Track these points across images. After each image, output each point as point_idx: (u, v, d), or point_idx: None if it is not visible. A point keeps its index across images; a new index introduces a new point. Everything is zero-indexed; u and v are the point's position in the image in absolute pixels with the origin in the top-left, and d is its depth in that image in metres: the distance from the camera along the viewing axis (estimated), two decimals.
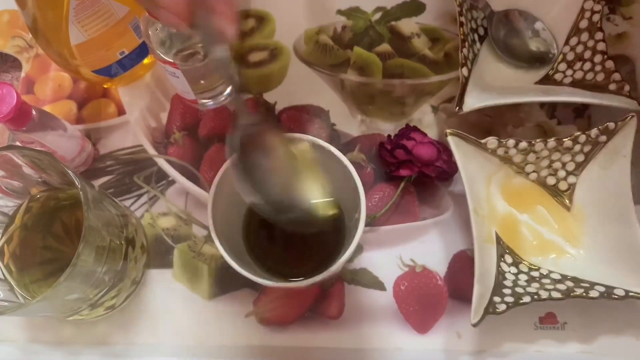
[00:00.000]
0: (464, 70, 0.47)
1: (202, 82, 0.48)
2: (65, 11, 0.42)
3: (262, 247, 0.44)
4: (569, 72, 0.51)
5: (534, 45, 0.53)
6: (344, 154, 0.49)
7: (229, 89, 0.51)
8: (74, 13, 0.42)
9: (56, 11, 0.42)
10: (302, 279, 0.38)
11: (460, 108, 0.46)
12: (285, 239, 0.45)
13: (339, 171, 0.40)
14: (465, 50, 0.48)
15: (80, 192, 0.38)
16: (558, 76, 0.51)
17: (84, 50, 0.45)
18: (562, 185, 0.47)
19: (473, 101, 0.46)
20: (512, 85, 0.51)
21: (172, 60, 0.44)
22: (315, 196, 0.36)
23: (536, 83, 0.51)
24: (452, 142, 0.45)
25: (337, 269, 0.36)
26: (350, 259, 0.45)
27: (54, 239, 0.46)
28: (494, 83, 0.50)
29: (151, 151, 0.51)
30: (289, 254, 0.45)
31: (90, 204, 0.38)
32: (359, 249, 0.47)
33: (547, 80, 0.51)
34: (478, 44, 0.52)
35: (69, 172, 0.38)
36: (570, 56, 0.51)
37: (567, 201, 0.47)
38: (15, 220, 0.45)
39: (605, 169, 0.46)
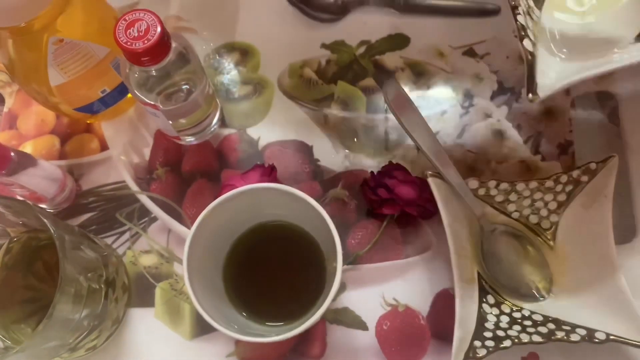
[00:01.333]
0: (526, 43, 0.38)
1: (183, 120, 0.47)
2: (44, 54, 0.41)
3: (241, 288, 0.44)
4: None
5: None
6: (328, 190, 0.50)
7: (214, 122, 0.51)
8: (53, 57, 0.42)
9: (34, 54, 0.42)
10: (278, 331, 0.38)
11: (535, 93, 0.37)
12: (266, 281, 0.45)
13: (316, 216, 0.40)
14: (521, 19, 0.40)
15: (56, 240, 0.38)
16: None
17: (64, 90, 0.45)
18: (545, 224, 0.47)
19: (551, 81, 0.38)
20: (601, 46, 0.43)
21: (152, 102, 0.43)
22: None
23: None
24: (433, 183, 0.45)
25: (314, 322, 0.36)
26: (333, 298, 0.45)
27: (35, 278, 0.46)
28: (573, 45, 0.43)
29: (134, 187, 0.51)
30: (270, 296, 0.44)
31: (66, 252, 0.38)
32: (342, 288, 0.47)
33: None
34: (537, 12, 0.44)
35: (45, 220, 0.37)
36: None
37: (549, 240, 0.47)
38: None
39: (587, 208, 0.46)
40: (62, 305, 0.37)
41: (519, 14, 0.40)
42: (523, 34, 0.39)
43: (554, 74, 0.39)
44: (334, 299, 0.37)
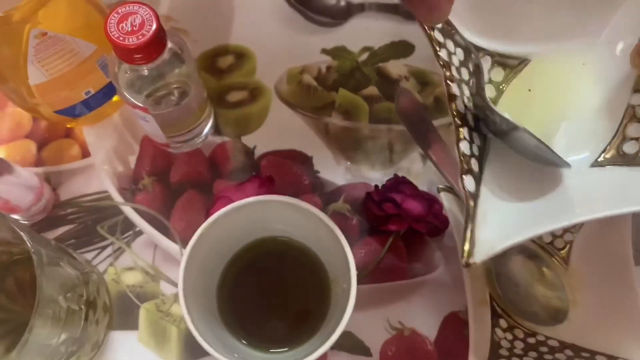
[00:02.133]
0: (468, 181, 0.31)
1: (175, 126, 0.44)
2: (23, 49, 0.38)
3: (237, 310, 0.40)
4: None
5: None
6: (328, 204, 0.47)
7: (206, 129, 0.48)
8: (34, 52, 0.38)
9: (13, 48, 0.38)
10: (281, 357, 0.34)
11: (469, 257, 0.29)
12: (263, 303, 0.41)
13: (324, 232, 0.36)
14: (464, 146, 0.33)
15: (34, 256, 0.33)
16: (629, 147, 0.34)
17: (44, 90, 0.41)
18: (559, 243, 0.45)
19: (496, 235, 0.30)
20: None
21: (141, 105, 0.40)
22: None
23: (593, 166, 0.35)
24: (445, 198, 0.42)
25: (320, 354, 0.32)
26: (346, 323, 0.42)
27: (6, 297, 0.42)
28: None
29: (117, 198, 0.47)
30: (267, 320, 0.41)
31: (44, 269, 0.34)
32: None
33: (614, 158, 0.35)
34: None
35: (21, 233, 0.33)
36: None
37: (564, 260, 0.45)
38: None
39: (603, 226, 0.44)
40: (39, 330, 0.33)
41: (462, 139, 0.32)
42: (466, 167, 0.31)
43: (498, 218, 0.32)
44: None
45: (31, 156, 0.48)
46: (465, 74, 0.36)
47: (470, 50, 0.36)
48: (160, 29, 0.36)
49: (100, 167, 0.48)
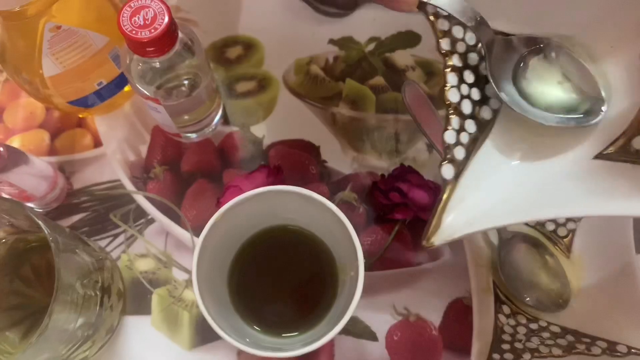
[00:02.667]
0: (446, 170, 0.32)
1: (186, 116, 0.45)
2: (38, 42, 0.38)
3: (247, 296, 0.42)
4: None
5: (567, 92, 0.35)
6: (335, 193, 0.48)
7: (215, 120, 0.48)
8: (48, 45, 0.38)
9: (28, 41, 0.39)
10: (289, 341, 0.35)
11: (429, 240, 0.32)
12: (273, 289, 0.42)
13: (332, 221, 0.37)
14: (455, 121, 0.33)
15: (52, 244, 0.35)
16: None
17: (58, 81, 0.42)
18: (561, 231, 0.46)
19: (461, 222, 0.32)
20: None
21: (153, 96, 0.40)
22: None
23: (596, 157, 0.33)
24: None
25: (329, 339, 0.34)
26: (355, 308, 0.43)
27: (22, 282, 0.43)
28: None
29: (129, 187, 0.48)
30: (277, 305, 0.42)
31: (61, 255, 0.35)
32: None
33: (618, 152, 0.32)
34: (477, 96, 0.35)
35: (41, 223, 0.34)
36: None
37: (566, 248, 0.46)
38: None
39: (606, 216, 0.45)
40: (58, 315, 0.34)
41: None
42: (448, 155, 0.32)
43: (472, 205, 0.32)
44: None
45: (45, 146, 0.49)
46: (473, 59, 0.34)
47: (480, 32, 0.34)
48: (172, 22, 0.36)
49: (112, 156, 0.49)
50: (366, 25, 0.53)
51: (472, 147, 0.34)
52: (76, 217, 0.47)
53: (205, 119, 0.47)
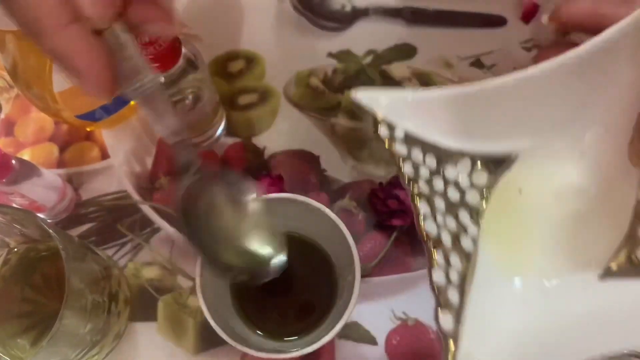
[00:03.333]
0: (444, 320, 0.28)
1: (189, 128, 0.46)
2: (49, 59, 0.40)
3: (249, 301, 0.43)
4: None
5: None
6: (335, 201, 0.49)
7: (219, 131, 0.50)
8: None
9: (39, 59, 0.40)
10: (289, 346, 0.36)
11: None
12: (274, 294, 0.43)
13: (330, 228, 0.39)
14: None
15: (62, 252, 0.36)
16: None
17: (67, 96, 0.43)
18: None
19: None
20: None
21: None
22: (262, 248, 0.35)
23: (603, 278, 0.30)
24: None
25: (328, 340, 0.35)
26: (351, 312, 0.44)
27: (33, 290, 0.44)
28: None
29: (136, 197, 0.49)
30: (278, 310, 0.43)
31: (71, 263, 0.36)
32: None
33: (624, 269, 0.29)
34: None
35: (52, 232, 0.36)
36: None
37: None
38: None
39: None
40: (68, 320, 0.36)
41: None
42: (441, 301, 0.28)
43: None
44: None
45: (54, 158, 0.51)
46: (439, 185, 0.30)
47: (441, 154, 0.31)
48: (176, 39, 0.38)
49: (119, 167, 0.50)
50: (364, 38, 0.54)
51: (464, 284, 0.30)
52: (84, 227, 0.49)
53: (209, 131, 0.48)
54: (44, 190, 0.44)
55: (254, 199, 0.34)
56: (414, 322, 0.46)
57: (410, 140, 0.30)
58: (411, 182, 0.29)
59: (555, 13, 0.29)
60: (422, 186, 0.29)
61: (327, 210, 0.38)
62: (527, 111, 0.29)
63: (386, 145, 0.29)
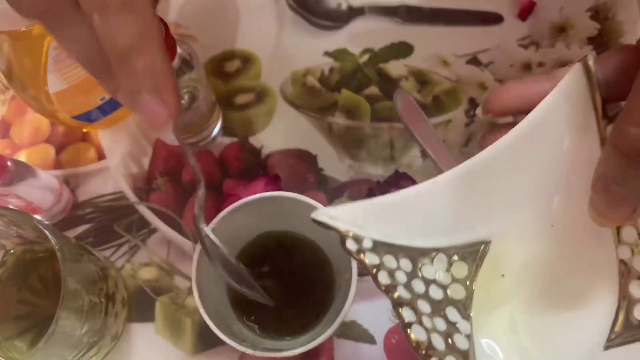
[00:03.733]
0: None
1: (185, 128, 0.46)
2: (44, 59, 0.40)
3: (246, 300, 0.43)
4: None
5: None
6: (332, 200, 0.49)
7: (215, 131, 0.50)
8: (53, 62, 0.40)
9: (34, 59, 0.40)
10: (286, 345, 0.36)
11: None
12: (271, 293, 0.43)
13: None
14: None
15: (58, 253, 0.36)
16: None
17: (62, 97, 0.43)
18: None
19: None
20: None
21: None
22: None
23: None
24: None
25: (328, 336, 0.35)
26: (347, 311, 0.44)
27: (30, 292, 0.44)
28: None
29: (132, 198, 0.49)
30: (275, 309, 0.43)
31: (68, 264, 0.36)
32: None
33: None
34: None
35: (46, 231, 0.36)
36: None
37: None
38: None
39: None
40: (64, 321, 0.36)
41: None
42: None
43: None
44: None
45: (50, 160, 0.51)
46: (419, 286, 0.29)
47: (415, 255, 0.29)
48: (171, 38, 0.38)
49: (116, 168, 0.50)
50: (360, 37, 0.54)
51: None
52: (81, 228, 0.49)
53: (205, 131, 0.48)
54: (41, 191, 0.44)
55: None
56: None
57: (380, 247, 0.28)
58: (389, 291, 0.27)
59: (486, 106, 0.29)
60: (402, 292, 0.27)
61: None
62: (488, 197, 0.29)
63: (356, 259, 0.28)
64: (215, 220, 0.38)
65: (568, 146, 0.28)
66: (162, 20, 0.38)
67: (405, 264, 0.28)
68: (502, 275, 0.30)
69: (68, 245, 0.39)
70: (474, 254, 0.30)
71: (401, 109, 0.45)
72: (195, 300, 0.36)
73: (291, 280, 0.44)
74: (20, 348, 0.43)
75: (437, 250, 0.29)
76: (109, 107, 0.47)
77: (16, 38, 0.38)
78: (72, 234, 0.48)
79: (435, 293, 0.29)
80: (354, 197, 0.49)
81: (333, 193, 0.49)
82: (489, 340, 0.29)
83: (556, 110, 0.28)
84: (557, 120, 0.28)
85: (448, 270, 0.29)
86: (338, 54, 0.54)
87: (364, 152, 0.51)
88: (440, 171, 0.41)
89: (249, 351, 0.35)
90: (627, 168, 0.23)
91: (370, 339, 0.45)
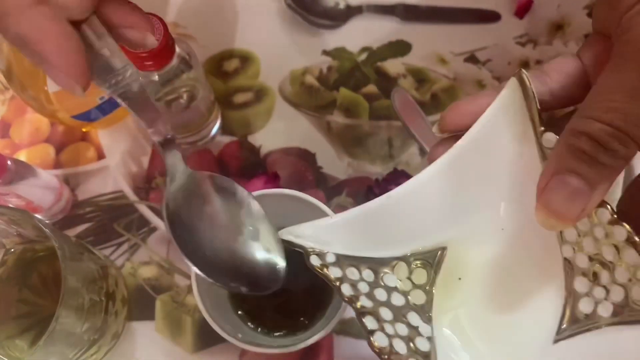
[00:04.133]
0: None
1: (184, 127, 0.46)
2: None
3: (245, 297, 0.43)
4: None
5: None
6: (332, 198, 0.49)
7: (214, 130, 0.50)
8: None
9: None
10: (286, 342, 0.36)
11: None
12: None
13: None
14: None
15: (58, 251, 0.36)
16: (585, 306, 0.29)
17: (62, 97, 0.44)
18: None
19: None
20: None
21: None
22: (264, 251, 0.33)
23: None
24: None
25: (325, 334, 0.35)
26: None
27: (30, 291, 0.44)
28: None
29: (132, 197, 0.49)
30: (274, 306, 0.43)
31: (68, 262, 0.36)
32: None
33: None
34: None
35: (47, 231, 0.36)
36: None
37: None
38: None
39: None
40: (65, 319, 0.36)
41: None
42: None
43: None
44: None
45: (50, 159, 0.51)
46: (381, 295, 0.30)
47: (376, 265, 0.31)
48: (169, 38, 0.38)
49: (115, 168, 0.50)
50: (358, 35, 0.54)
51: None
52: (81, 227, 0.49)
53: (204, 130, 0.48)
54: (41, 190, 0.45)
55: (248, 203, 0.33)
56: None
57: (343, 260, 0.30)
58: (352, 302, 0.29)
59: (441, 124, 0.31)
60: (365, 302, 0.29)
61: (324, 207, 0.38)
62: (441, 206, 0.31)
63: (320, 274, 0.30)
64: None
65: (511, 156, 0.30)
66: (160, 20, 0.38)
67: (368, 274, 0.31)
68: (459, 278, 0.32)
69: (68, 243, 0.39)
70: (431, 259, 0.32)
71: (399, 106, 0.45)
72: (195, 297, 0.36)
73: (290, 278, 0.44)
74: (21, 347, 0.43)
75: (397, 259, 0.31)
76: (108, 107, 0.48)
77: None
78: (72, 233, 0.49)
79: (397, 300, 0.31)
80: (353, 195, 0.49)
81: (332, 191, 0.50)
82: (449, 339, 0.31)
83: (496, 123, 0.29)
84: (497, 132, 0.30)
85: (409, 277, 0.32)
86: (336, 53, 0.54)
87: (363, 150, 0.51)
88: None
89: (249, 347, 0.36)
90: (587, 159, 0.24)
91: None
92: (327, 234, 0.30)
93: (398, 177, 0.47)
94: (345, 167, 0.50)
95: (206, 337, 0.45)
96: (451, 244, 0.32)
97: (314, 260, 0.30)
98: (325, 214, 0.38)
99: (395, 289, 0.31)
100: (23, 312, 0.44)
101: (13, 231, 0.41)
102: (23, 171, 0.42)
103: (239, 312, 0.42)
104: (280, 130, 0.52)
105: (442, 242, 0.32)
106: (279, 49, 0.54)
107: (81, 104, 0.46)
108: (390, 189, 0.46)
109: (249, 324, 0.42)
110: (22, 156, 0.51)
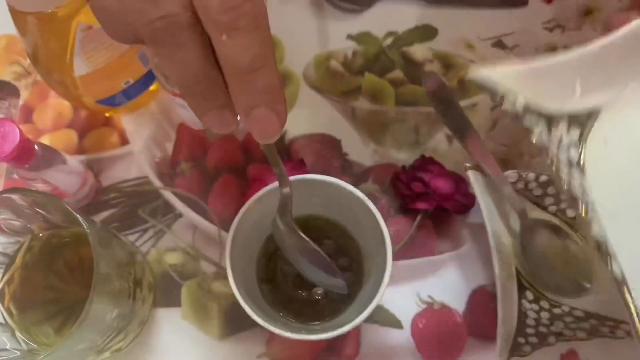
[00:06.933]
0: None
1: None
2: (70, 42, 0.40)
3: (275, 284, 0.43)
4: None
5: None
6: (357, 185, 0.48)
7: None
8: (80, 45, 0.40)
9: (61, 42, 0.40)
10: (317, 329, 0.36)
11: None
12: (300, 277, 0.43)
13: (359, 210, 0.38)
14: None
15: (90, 237, 0.36)
16: None
17: (87, 81, 0.43)
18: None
19: None
20: None
21: None
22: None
23: None
24: (472, 176, 0.43)
25: (355, 325, 0.35)
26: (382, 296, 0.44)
27: (56, 277, 0.44)
28: None
29: (157, 183, 0.49)
30: (304, 293, 0.43)
31: (98, 248, 0.36)
32: None
33: None
34: None
35: (78, 217, 0.35)
36: None
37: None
38: (15, 260, 0.43)
39: None
40: (96, 305, 0.35)
41: None
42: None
43: None
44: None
45: (73, 145, 0.50)
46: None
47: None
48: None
49: (139, 153, 0.50)
50: (383, 20, 0.54)
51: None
52: (106, 213, 0.48)
53: None
54: (67, 176, 0.44)
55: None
56: (439, 306, 0.45)
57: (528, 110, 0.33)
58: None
59: None
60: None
61: (357, 191, 0.37)
62: (615, 68, 0.34)
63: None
64: (249, 202, 0.37)
65: None
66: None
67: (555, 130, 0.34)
68: (605, 142, 0.34)
69: (97, 229, 0.39)
70: (584, 120, 0.34)
71: (431, 90, 0.44)
72: (231, 284, 0.36)
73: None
74: (48, 333, 0.43)
75: (562, 115, 0.34)
76: (132, 91, 0.47)
77: (43, 20, 0.38)
78: (97, 219, 0.48)
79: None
80: (380, 182, 0.49)
81: (358, 178, 0.49)
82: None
83: None
84: None
85: (567, 133, 0.34)
86: (361, 37, 0.53)
87: (389, 136, 0.50)
88: (470, 155, 0.41)
89: (280, 332, 0.35)
90: None
91: (397, 324, 0.45)
92: (515, 81, 0.33)
93: (426, 164, 0.47)
94: (371, 153, 0.50)
95: (233, 324, 0.45)
96: (606, 106, 0.34)
97: (509, 105, 0.33)
98: (360, 200, 0.37)
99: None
100: (49, 298, 0.43)
101: (40, 217, 0.41)
102: (49, 156, 0.42)
103: (268, 299, 0.42)
104: (304, 116, 0.51)
105: (598, 103, 0.34)
106: (303, 34, 0.53)
107: (106, 89, 0.45)
108: (419, 176, 0.46)
109: (278, 311, 0.42)
110: (45, 141, 0.50)
